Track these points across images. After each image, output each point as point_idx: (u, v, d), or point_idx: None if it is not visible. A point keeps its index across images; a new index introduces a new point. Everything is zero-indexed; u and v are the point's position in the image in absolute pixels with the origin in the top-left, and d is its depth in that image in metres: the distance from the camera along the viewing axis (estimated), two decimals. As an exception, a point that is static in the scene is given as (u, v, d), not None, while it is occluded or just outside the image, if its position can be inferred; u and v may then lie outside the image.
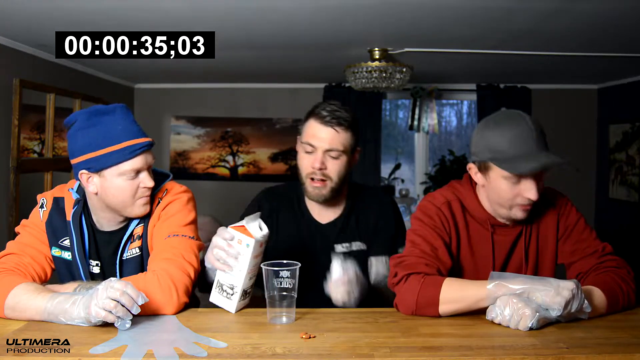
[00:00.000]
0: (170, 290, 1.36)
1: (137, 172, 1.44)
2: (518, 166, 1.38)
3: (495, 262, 1.53)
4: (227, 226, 1.40)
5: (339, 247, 1.73)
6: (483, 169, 1.48)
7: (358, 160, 1.77)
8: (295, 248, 1.72)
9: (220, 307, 1.41)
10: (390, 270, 1.49)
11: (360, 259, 1.69)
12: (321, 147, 1.64)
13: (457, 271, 1.54)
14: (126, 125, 1.42)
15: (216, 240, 1.39)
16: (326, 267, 1.49)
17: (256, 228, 1.37)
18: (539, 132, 1.41)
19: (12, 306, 1.30)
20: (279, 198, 1.80)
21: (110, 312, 1.19)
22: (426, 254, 1.46)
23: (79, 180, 1.46)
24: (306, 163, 1.68)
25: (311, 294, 1.51)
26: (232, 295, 1.39)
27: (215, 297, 1.42)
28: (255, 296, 1.49)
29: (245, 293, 1.41)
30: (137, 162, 1.42)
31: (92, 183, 1.44)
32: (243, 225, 1.36)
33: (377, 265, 1.68)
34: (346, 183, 1.74)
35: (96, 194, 1.45)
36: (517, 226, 1.54)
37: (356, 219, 1.76)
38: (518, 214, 1.47)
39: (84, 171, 1.43)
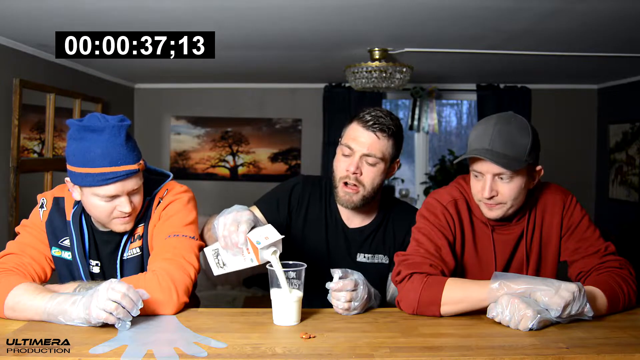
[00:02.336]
0: (170, 290, 1.36)
1: (113, 196, 1.40)
2: (467, 154, 1.45)
3: (498, 260, 1.53)
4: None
5: (360, 257, 1.70)
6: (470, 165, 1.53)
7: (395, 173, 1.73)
8: (316, 245, 1.70)
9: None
10: (394, 267, 1.49)
11: (380, 272, 1.69)
12: (359, 151, 1.60)
13: (461, 270, 1.54)
14: (108, 150, 1.36)
15: (231, 235, 1.35)
16: None
17: (268, 254, 1.35)
18: (499, 133, 1.41)
19: (12, 306, 1.30)
20: (313, 189, 1.76)
21: (111, 313, 1.19)
22: (431, 254, 1.47)
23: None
24: (342, 166, 1.64)
25: (322, 296, 1.46)
26: (221, 268, 1.44)
27: (209, 254, 1.45)
28: (255, 296, 1.49)
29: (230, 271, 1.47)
30: (111, 189, 1.38)
31: (76, 191, 1.44)
32: (257, 248, 1.33)
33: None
34: (379, 192, 1.70)
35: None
36: (519, 223, 1.54)
37: (384, 232, 1.72)
38: (486, 211, 1.49)
39: (67, 179, 1.44)
